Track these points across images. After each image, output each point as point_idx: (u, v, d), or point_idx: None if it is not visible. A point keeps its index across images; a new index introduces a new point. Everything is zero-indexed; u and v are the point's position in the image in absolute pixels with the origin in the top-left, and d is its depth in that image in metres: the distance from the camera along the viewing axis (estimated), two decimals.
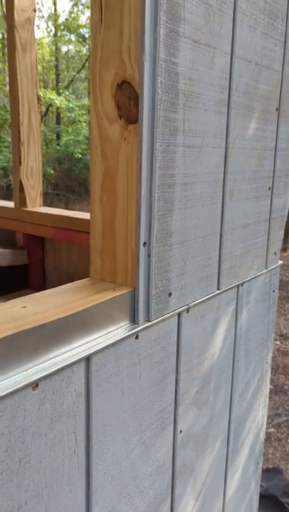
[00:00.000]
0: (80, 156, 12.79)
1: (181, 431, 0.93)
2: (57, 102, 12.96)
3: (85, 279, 0.81)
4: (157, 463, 0.87)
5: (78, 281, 0.80)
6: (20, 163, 1.52)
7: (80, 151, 12.78)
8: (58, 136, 14.88)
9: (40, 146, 1.57)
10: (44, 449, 0.63)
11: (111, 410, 0.74)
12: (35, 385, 0.60)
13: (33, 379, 0.59)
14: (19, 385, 0.57)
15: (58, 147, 14.20)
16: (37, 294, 0.73)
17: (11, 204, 1.61)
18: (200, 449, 1.02)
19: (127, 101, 0.71)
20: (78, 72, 16.16)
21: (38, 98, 1.49)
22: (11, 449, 0.58)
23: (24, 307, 0.66)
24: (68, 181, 13.98)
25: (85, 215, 1.39)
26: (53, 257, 1.62)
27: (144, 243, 0.75)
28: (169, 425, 0.89)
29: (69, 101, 13.27)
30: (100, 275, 0.81)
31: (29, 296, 0.72)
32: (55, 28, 15.74)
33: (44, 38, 15.50)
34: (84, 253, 1.45)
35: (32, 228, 1.53)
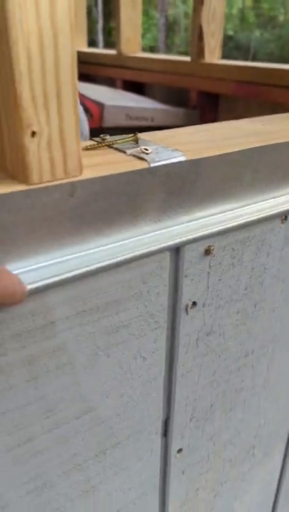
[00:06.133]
0: (231, 33, 11.35)
1: None
2: None
3: None
4: None
5: None
6: (202, 1, 1.30)
7: (231, 27, 11.30)
8: None
9: None
10: (279, 298, 0.53)
11: None
12: (284, 217, 0.48)
13: (283, 208, 0.47)
14: (269, 213, 0.45)
15: None
16: (267, 116, 0.58)
17: (187, 58, 1.43)
18: None
19: None
20: None
21: None
22: (250, 287, 0.48)
23: (264, 125, 0.52)
24: None
25: (275, 66, 1.16)
26: (227, 119, 1.44)
27: None
28: None
29: None
30: None
31: (260, 117, 0.57)
32: None
33: None
34: (265, 112, 1.24)
35: (208, 84, 1.34)
